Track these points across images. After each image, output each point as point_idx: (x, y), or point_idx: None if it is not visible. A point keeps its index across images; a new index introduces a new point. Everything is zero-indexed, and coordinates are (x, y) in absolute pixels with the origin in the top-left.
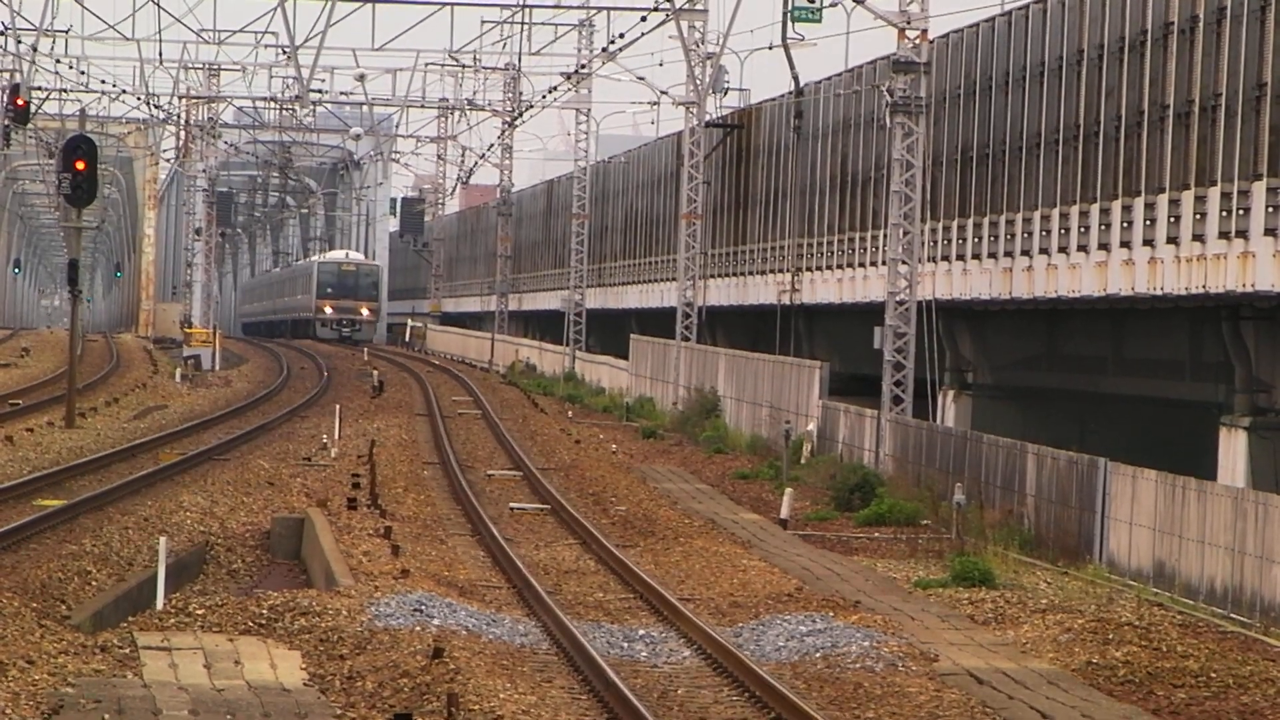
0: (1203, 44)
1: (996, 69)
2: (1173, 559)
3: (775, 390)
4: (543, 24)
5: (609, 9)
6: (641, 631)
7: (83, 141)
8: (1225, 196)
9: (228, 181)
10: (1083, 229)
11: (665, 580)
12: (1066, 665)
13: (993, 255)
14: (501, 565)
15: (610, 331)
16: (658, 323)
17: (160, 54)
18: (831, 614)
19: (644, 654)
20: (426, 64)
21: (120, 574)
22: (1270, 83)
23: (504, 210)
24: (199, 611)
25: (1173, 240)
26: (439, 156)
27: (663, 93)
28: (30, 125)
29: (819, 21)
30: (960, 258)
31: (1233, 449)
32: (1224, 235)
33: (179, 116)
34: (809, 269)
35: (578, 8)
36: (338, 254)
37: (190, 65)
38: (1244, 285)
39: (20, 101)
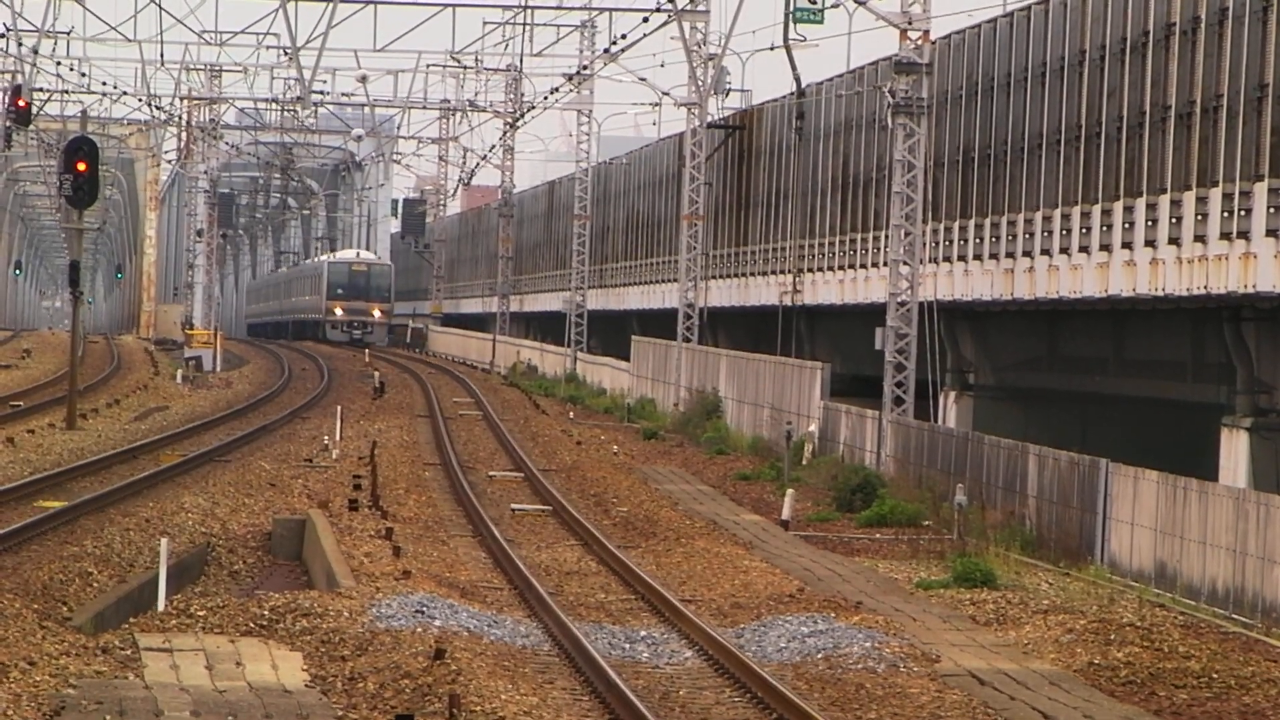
0: (1204, 45)
1: (998, 70)
2: (1174, 560)
3: (776, 391)
4: (544, 25)
5: (611, 10)
6: (643, 633)
7: (84, 143)
8: (1227, 197)
9: (229, 183)
10: (1084, 230)
11: (667, 581)
12: (1068, 666)
13: (994, 256)
14: (503, 566)
15: (611, 333)
16: (659, 324)
17: (162, 55)
18: (833, 615)
19: (645, 655)
20: (428, 65)
21: (121, 575)
22: (1272, 83)
23: (505, 211)
24: (200, 613)
25: (1174, 241)
26: (440, 157)
27: (664, 94)
28: (32, 127)
29: (821, 22)
30: (962, 258)
31: (1234, 450)
32: (1225, 236)
33: (180, 118)
34: (810, 270)
35: (579, 9)
36: (348, 253)
37: (192, 66)
38: (1245, 286)
39: (22, 103)
